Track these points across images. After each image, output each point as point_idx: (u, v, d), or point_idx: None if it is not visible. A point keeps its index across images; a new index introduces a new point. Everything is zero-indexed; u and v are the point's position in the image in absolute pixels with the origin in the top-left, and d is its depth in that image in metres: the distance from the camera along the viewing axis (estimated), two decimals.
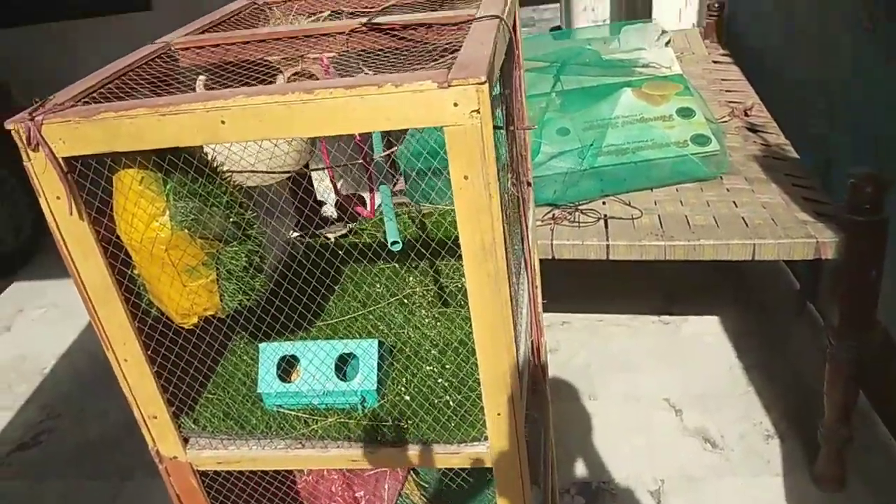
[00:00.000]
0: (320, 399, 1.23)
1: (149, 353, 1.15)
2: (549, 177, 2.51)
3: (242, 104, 0.92)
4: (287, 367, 1.28)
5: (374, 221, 1.80)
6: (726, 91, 3.20)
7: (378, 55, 1.23)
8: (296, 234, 1.78)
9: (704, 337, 3.02)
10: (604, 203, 2.47)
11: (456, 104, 0.90)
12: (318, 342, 1.26)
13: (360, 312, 1.48)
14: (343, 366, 1.27)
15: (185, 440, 1.24)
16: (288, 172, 1.36)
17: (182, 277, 1.10)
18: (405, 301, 1.51)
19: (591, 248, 2.25)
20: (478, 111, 0.90)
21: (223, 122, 0.94)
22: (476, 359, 1.10)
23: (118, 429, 2.86)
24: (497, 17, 1.12)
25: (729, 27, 3.80)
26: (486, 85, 0.89)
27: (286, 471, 1.61)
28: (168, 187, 1.05)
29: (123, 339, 1.12)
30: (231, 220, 1.10)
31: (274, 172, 1.31)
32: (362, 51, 1.26)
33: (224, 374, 1.36)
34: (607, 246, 2.23)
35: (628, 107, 2.75)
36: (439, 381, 1.28)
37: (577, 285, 3.17)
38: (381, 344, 1.27)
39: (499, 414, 1.11)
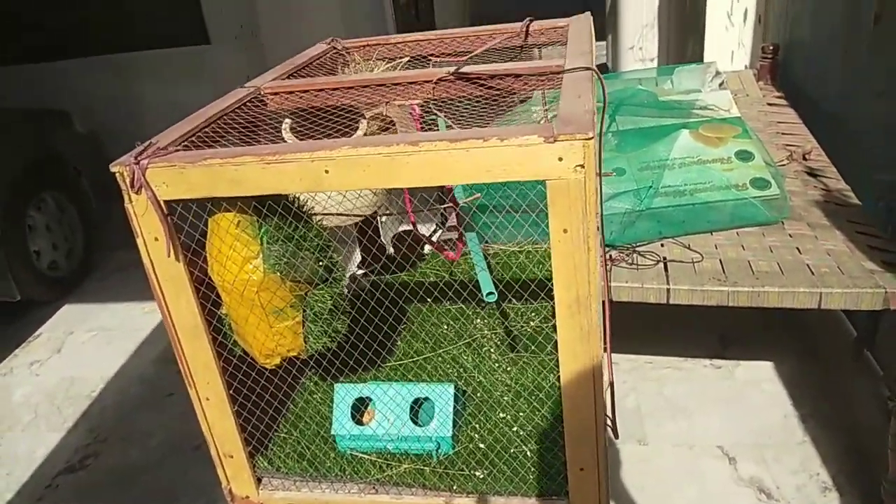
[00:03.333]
0: (395, 444, 1.23)
1: (230, 392, 1.16)
2: (606, 217, 2.50)
3: (347, 154, 0.94)
4: (362, 408, 1.28)
5: (439, 261, 1.80)
6: (783, 134, 3.16)
7: (459, 102, 1.24)
8: (360, 271, 1.79)
9: (759, 383, 2.95)
10: (662, 245, 2.45)
11: (561, 159, 0.90)
12: (392, 384, 1.26)
13: (429, 354, 1.47)
14: (416, 407, 1.26)
15: (259, 480, 1.24)
16: (363, 216, 1.37)
17: (270, 319, 1.11)
18: (473, 344, 1.51)
19: (650, 291, 2.22)
20: (582, 166, 0.90)
21: (327, 172, 0.95)
22: (552, 407, 1.09)
23: (162, 452, 2.88)
24: (590, 68, 1.12)
25: (784, 69, 3.77)
26: (593, 140, 0.89)
27: None
28: (263, 231, 1.07)
29: (208, 378, 1.13)
30: (321, 263, 1.11)
31: (354, 215, 1.32)
32: (448, 99, 1.27)
33: (297, 415, 1.37)
34: (668, 290, 2.20)
35: (686, 148, 2.74)
36: (514, 428, 1.27)
37: (624, 325, 3.13)
38: (455, 388, 1.26)
39: (582, 469, 1.09)
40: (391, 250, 1.86)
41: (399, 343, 1.54)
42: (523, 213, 1.42)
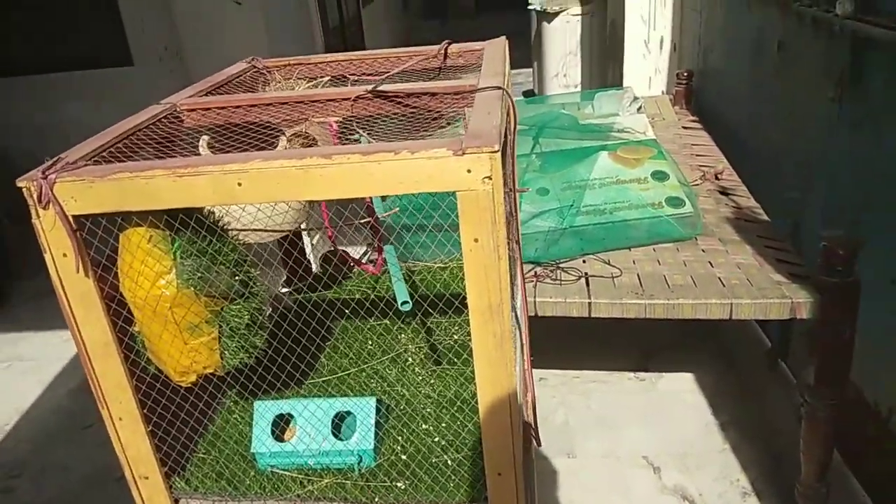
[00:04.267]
0: (316, 459, 1.23)
1: (144, 411, 1.14)
2: (531, 235, 2.56)
3: (260, 167, 0.95)
4: (283, 424, 1.28)
5: (365, 279, 1.82)
6: (697, 155, 3.32)
7: (382, 121, 1.27)
8: (285, 290, 1.78)
9: (680, 394, 3.06)
10: (584, 262, 2.52)
11: (469, 171, 0.93)
12: (314, 400, 1.26)
13: (353, 370, 1.48)
14: (339, 422, 1.27)
15: (176, 501, 1.22)
16: (286, 231, 1.37)
17: (184, 335, 1.10)
18: (397, 359, 1.52)
19: (573, 305, 2.29)
20: (490, 177, 0.93)
21: (239, 185, 0.96)
22: (472, 417, 1.11)
23: (82, 486, 2.77)
24: (500, 87, 1.17)
25: (697, 94, 3.96)
26: (499, 153, 0.93)
27: None
28: (176, 246, 1.06)
29: (119, 397, 1.11)
30: (237, 278, 1.11)
31: (275, 231, 1.33)
32: (367, 116, 1.30)
33: (216, 433, 1.35)
34: (589, 304, 2.27)
35: (605, 169, 2.84)
36: (436, 439, 1.29)
37: (552, 342, 3.19)
38: (378, 401, 1.27)
39: (499, 474, 1.11)
40: (317, 269, 1.86)
41: (323, 360, 1.54)
42: (444, 232, 1.45)
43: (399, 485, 1.18)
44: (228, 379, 1.24)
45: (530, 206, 2.65)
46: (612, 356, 3.29)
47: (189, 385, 1.16)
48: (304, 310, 1.49)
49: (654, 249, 2.57)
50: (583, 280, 2.40)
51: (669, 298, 2.23)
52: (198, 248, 1.06)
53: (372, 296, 1.73)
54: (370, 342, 1.58)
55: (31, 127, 4.57)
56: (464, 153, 0.92)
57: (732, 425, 2.86)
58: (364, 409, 1.23)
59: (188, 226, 1.05)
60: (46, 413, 3.32)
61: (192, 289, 1.07)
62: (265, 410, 1.24)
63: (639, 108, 3.37)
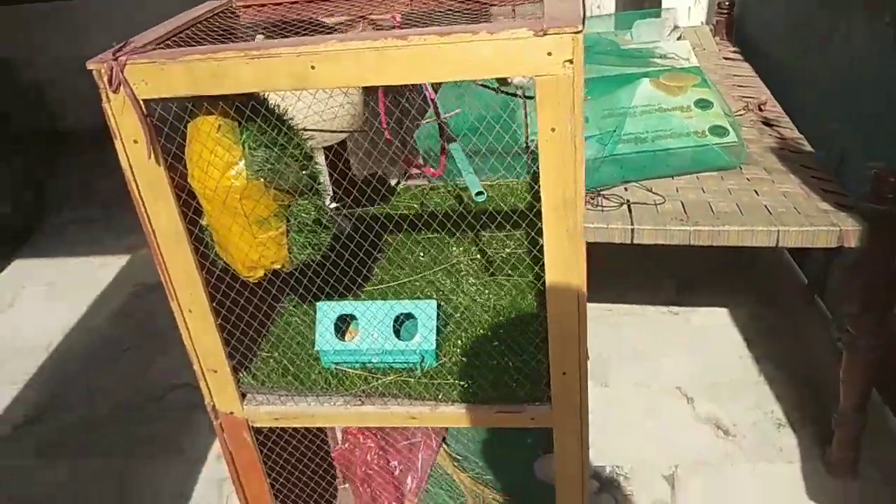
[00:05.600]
0: (379, 358, 1.23)
1: (213, 304, 1.14)
2: None
3: (335, 49, 0.93)
4: (342, 326, 1.28)
5: (410, 194, 1.80)
6: (739, 86, 3.23)
7: (444, 17, 1.24)
8: (333, 206, 1.78)
9: (715, 328, 3.06)
10: (626, 189, 2.49)
11: (550, 53, 0.90)
12: (376, 302, 1.26)
13: (409, 279, 1.48)
14: (398, 326, 1.27)
15: (243, 395, 1.24)
16: (347, 131, 1.36)
17: (253, 229, 1.10)
18: (451, 269, 1.52)
19: (615, 231, 2.26)
20: (571, 61, 0.91)
21: (313, 68, 0.94)
22: (529, 324, 1.11)
23: (123, 406, 2.84)
24: None
25: (739, 25, 3.84)
26: (582, 35, 0.90)
27: (321, 439, 1.61)
28: (245, 136, 1.05)
29: (190, 287, 1.12)
30: (305, 171, 1.10)
31: (336, 131, 1.31)
32: (427, 12, 1.26)
33: (277, 335, 1.36)
34: (632, 230, 2.24)
35: (647, 96, 2.77)
36: (494, 343, 1.29)
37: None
38: (438, 305, 1.27)
39: (564, 373, 1.12)
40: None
41: (376, 270, 1.54)
42: (498, 156, 1.43)
43: (462, 383, 1.19)
44: (292, 282, 1.24)
45: None
46: (645, 290, 3.28)
47: (256, 281, 1.16)
48: (361, 222, 1.48)
49: (697, 178, 2.52)
50: (625, 207, 2.36)
51: (714, 225, 2.19)
52: (268, 139, 1.04)
53: (417, 210, 1.71)
54: (422, 254, 1.57)
55: (58, 57, 4.52)
56: (545, 34, 0.89)
57: (767, 359, 2.86)
58: (426, 311, 1.24)
59: (258, 115, 1.03)
60: (87, 336, 3.38)
61: (262, 180, 1.06)
62: (328, 310, 1.24)
63: (679, 38, 3.28)
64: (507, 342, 1.28)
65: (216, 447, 2.51)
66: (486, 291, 1.44)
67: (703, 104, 2.76)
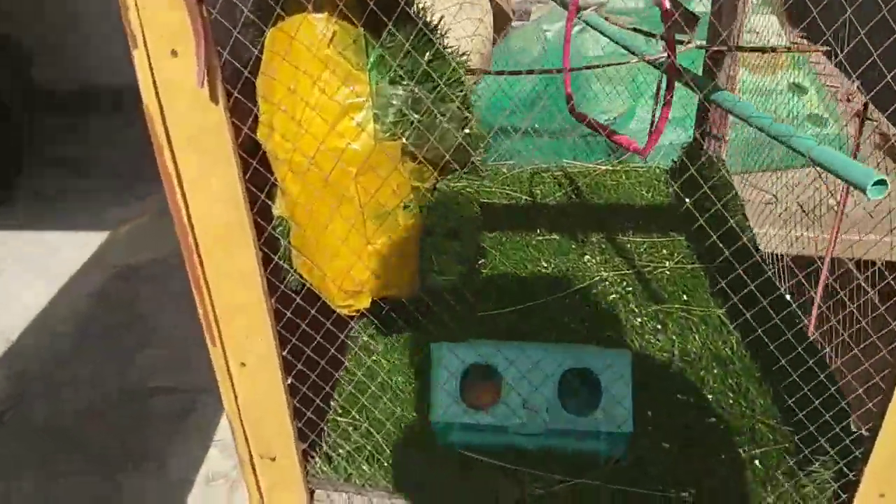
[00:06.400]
0: (535, 443, 0.76)
1: (284, 353, 0.66)
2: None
3: None
4: (473, 381, 0.80)
5: (504, 178, 1.31)
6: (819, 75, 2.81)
7: None
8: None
9: None
10: None
11: None
12: (530, 345, 0.78)
13: (532, 302, 0.99)
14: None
15: (311, 493, 0.75)
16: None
17: (368, 226, 0.61)
18: (598, 290, 1.04)
19: None
20: None
21: None
22: (746, 376, 0.65)
23: (95, 402, 2.32)
24: None
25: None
26: None
27: None
28: (374, 59, 0.56)
29: (248, 323, 0.63)
30: (466, 130, 0.61)
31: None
32: None
33: (358, 383, 0.86)
34: None
35: None
36: (711, 419, 0.82)
37: None
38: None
39: (882, 495, 0.66)
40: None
41: (479, 283, 1.06)
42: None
43: (683, 494, 0.72)
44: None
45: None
46: None
47: (351, 314, 0.68)
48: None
49: None
50: None
51: None
52: (414, 66, 0.56)
53: (523, 198, 1.24)
54: (544, 262, 1.09)
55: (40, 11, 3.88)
56: None
57: None
58: (615, 367, 0.76)
59: (396, 22, 0.54)
60: (60, 320, 2.83)
61: (401, 140, 0.57)
62: (450, 357, 0.75)
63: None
64: (717, 414, 0.82)
65: (206, 466, 2.01)
66: (658, 326, 0.97)
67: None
